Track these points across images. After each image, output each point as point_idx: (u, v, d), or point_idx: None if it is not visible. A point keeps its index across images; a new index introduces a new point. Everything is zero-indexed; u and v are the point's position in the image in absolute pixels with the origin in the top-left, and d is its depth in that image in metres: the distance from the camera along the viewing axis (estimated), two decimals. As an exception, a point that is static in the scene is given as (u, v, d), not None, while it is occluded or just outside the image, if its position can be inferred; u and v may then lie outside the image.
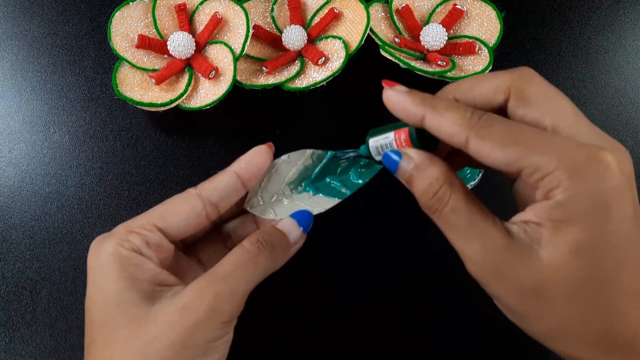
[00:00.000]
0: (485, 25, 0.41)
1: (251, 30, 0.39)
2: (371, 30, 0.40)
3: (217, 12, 0.39)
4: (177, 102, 0.37)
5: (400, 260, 0.38)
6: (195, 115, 0.40)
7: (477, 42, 0.40)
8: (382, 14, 0.41)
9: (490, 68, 0.39)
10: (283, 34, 0.40)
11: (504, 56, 0.42)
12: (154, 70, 0.39)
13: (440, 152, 0.29)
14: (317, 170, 0.33)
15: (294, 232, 0.30)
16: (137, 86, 0.39)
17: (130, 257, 0.27)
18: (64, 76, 0.41)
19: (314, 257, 0.37)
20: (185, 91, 0.38)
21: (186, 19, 0.40)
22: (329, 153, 0.33)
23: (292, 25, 0.40)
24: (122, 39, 0.39)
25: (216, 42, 0.39)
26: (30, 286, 0.37)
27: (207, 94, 0.38)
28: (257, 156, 0.30)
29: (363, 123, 0.40)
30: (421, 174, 0.25)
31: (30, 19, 0.43)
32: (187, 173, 0.39)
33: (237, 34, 0.39)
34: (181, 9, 0.40)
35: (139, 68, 0.39)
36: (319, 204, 0.32)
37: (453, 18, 0.41)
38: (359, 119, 0.41)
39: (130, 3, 0.40)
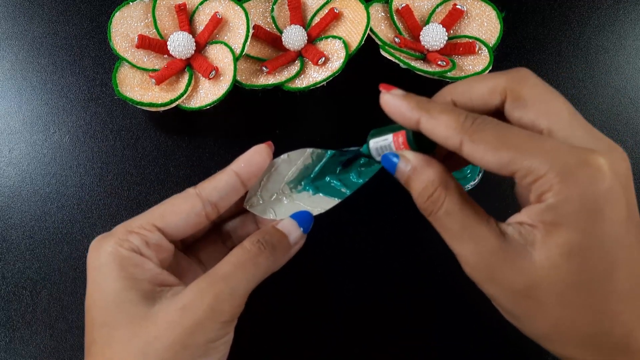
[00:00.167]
0: (485, 25, 0.41)
1: (251, 30, 0.39)
2: (371, 30, 0.40)
3: (217, 12, 0.39)
4: (177, 102, 0.37)
5: (400, 260, 0.38)
6: (195, 115, 0.40)
7: (477, 42, 0.40)
8: (382, 14, 0.41)
9: (490, 68, 0.39)
10: (283, 34, 0.40)
11: (504, 56, 0.42)
12: (154, 70, 0.39)
13: (439, 152, 0.29)
14: (316, 169, 0.33)
15: (294, 233, 0.30)
16: (137, 86, 0.39)
17: (130, 257, 0.27)
18: (64, 76, 0.41)
19: (314, 257, 0.37)
20: (185, 91, 0.38)
21: (186, 19, 0.40)
22: (328, 152, 0.33)
23: (292, 25, 0.40)
24: (122, 39, 0.39)
25: (216, 42, 0.39)
26: (30, 286, 0.37)
27: (207, 94, 0.38)
28: (256, 155, 0.30)
29: (363, 123, 0.40)
30: (417, 176, 0.26)
31: (30, 19, 0.43)
32: (187, 173, 0.39)
33: (237, 34, 0.39)
34: (181, 9, 0.40)
35: (139, 68, 0.39)
36: (319, 204, 0.32)
37: (453, 18, 0.41)
38: (359, 119, 0.41)
39: (130, 3, 0.40)
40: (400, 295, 0.37)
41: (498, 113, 0.26)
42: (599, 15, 0.44)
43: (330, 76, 0.38)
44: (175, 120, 0.40)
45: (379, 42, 0.39)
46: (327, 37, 0.40)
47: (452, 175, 0.26)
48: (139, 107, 0.37)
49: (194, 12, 0.40)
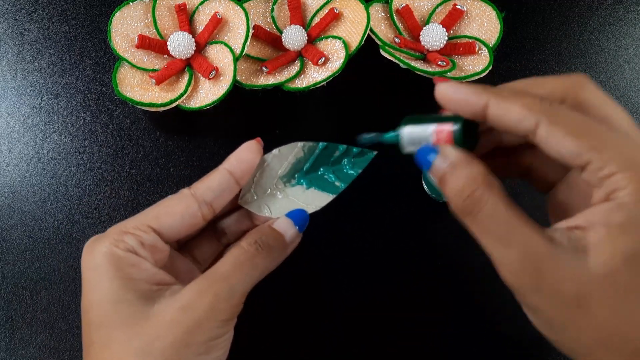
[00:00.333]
0: (485, 25, 0.41)
1: (251, 30, 0.39)
2: (371, 30, 0.40)
3: (217, 12, 0.39)
4: (177, 102, 0.37)
5: (398, 258, 0.38)
6: (195, 115, 0.40)
7: (477, 42, 0.40)
8: (382, 14, 0.41)
9: (490, 68, 0.39)
10: (283, 34, 0.40)
11: (504, 56, 0.42)
12: (154, 70, 0.39)
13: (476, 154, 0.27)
14: (309, 162, 0.33)
15: (290, 232, 0.30)
16: (137, 86, 0.39)
17: (126, 258, 0.27)
18: (64, 76, 0.41)
19: (310, 255, 0.37)
20: (185, 91, 0.38)
21: (186, 19, 0.40)
22: (320, 144, 0.33)
23: (292, 26, 0.40)
24: (122, 39, 0.39)
25: (216, 42, 0.39)
26: (30, 286, 0.37)
27: (207, 94, 0.38)
28: (247, 152, 0.31)
29: (363, 123, 0.40)
30: (456, 173, 0.24)
31: (30, 19, 0.43)
32: (187, 173, 0.39)
33: (237, 34, 0.39)
34: (181, 9, 0.40)
35: (139, 68, 0.39)
36: (314, 199, 0.32)
37: (453, 18, 0.41)
38: (359, 119, 0.41)
39: (130, 3, 0.40)
40: (399, 294, 0.37)
41: None
42: (599, 15, 0.44)
43: (330, 76, 0.38)
44: (175, 120, 0.40)
45: (379, 42, 0.39)
46: (327, 37, 0.40)
47: (495, 175, 0.24)
48: (139, 107, 0.37)
49: (194, 12, 0.40)
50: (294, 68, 0.39)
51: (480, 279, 0.36)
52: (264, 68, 0.39)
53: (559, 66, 0.43)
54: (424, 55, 0.40)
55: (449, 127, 0.25)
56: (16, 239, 0.38)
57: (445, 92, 0.25)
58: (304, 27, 0.40)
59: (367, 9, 0.39)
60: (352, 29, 0.40)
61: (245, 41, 0.38)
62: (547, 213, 0.27)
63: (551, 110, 0.22)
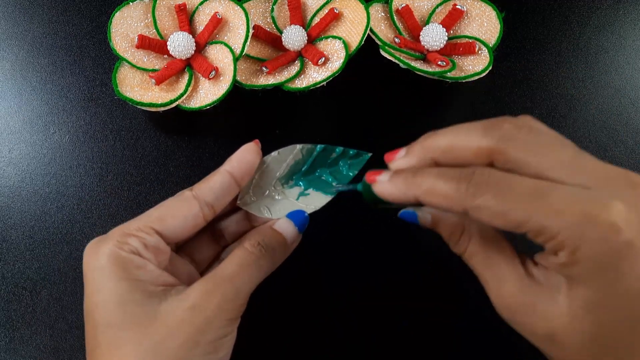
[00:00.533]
0: (485, 25, 0.41)
1: (251, 31, 0.39)
2: (371, 30, 0.40)
3: (217, 12, 0.39)
4: (177, 102, 0.37)
5: (399, 258, 0.38)
6: (195, 115, 0.40)
7: (477, 42, 0.40)
8: (382, 14, 0.41)
9: (490, 68, 0.39)
10: (283, 34, 0.40)
11: (504, 56, 0.42)
12: (154, 71, 0.39)
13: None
14: (307, 163, 0.33)
15: (291, 233, 0.31)
16: (137, 86, 0.39)
17: (131, 259, 0.27)
18: (64, 76, 0.41)
19: (310, 255, 0.37)
20: (185, 91, 0.38)
21: (186, 19, 0.40)
22: (318, 147, 0.33)
23: (292, 26, 0.40)
24: (122, 39, 0.39)
25: (216, 42, 0.39)
26: (30, 286, 0.37)
27: (207, 94, 0.38)
28: (247, 154, 0.31)
29: (363, 123, 0.41)
30: (440, 225, 0.28)
31: (30, 19, 0.43)
32: (187, 173, 0.39)
33: (237, 34, 0.39)
34: (181, 9, 0.40)
35: (139, 68, 0.39)
36: (312, 201, 0.33)
37: (453, 18, 0.41)
38: (359, 119, 0.41)
39: (130, 3, 0.40)
40: (399, 293, 0.37)
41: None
42: (599, 15, 0.44)
43: (330, 76, 0.38)
44: (175, 120, 0.40)
45: (379, 42, 0.39)
46: (327, 37, 0.40)
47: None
48: (139, 107, 0.37)
49: (194, 12, 0.40)
50: (294, 68, 0.39)
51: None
52: (264, 68, 0.39)
53: (559, 66, 0.43)
54: (424, 56, 0.40)
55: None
56: (16, 239, 0.38)
57: (381, 194, 0.26)
58: (304, 27, 0.40)
59: (367, 9, 0.39)
60: (352, 29, 0.40)
61: (245, 41, 0.38)
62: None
63: (471, 192, 0.23)
